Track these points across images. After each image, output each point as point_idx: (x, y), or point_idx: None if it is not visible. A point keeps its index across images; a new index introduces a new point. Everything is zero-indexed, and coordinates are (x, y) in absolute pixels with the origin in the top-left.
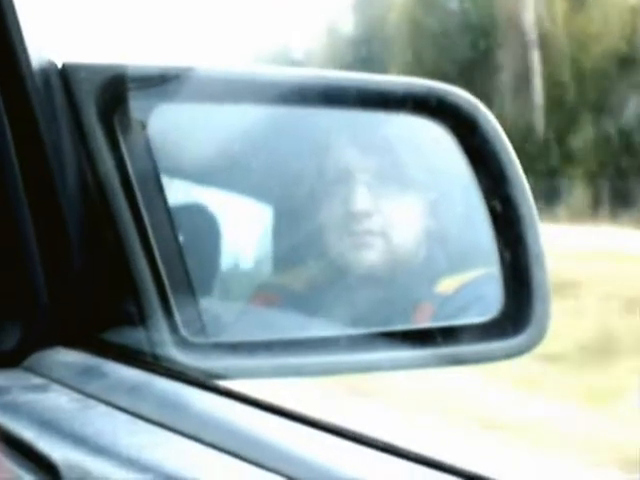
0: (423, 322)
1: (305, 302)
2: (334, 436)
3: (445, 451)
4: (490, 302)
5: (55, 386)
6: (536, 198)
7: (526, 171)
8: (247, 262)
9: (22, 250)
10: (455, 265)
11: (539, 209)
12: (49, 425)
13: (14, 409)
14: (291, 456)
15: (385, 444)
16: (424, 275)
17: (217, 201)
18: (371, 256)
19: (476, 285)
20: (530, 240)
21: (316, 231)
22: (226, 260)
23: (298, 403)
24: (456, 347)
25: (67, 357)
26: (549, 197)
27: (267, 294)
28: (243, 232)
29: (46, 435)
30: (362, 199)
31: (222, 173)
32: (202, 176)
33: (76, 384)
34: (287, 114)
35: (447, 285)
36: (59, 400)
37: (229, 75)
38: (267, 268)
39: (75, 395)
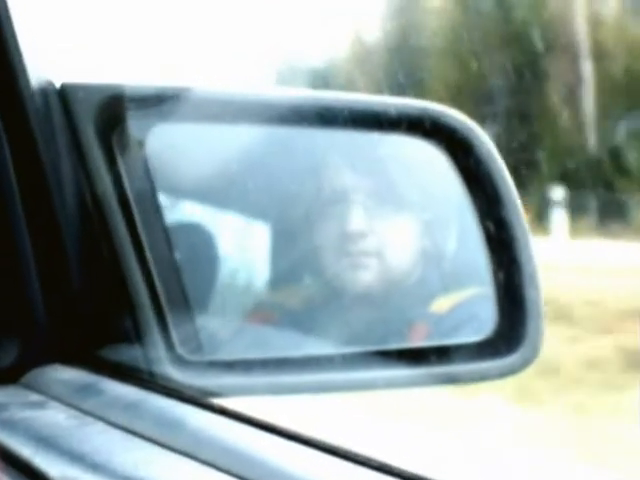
0: (418, 341)
1: (301, 320)
2: (329, 455)
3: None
4: (484, 321)
5: (52, 403)
6: (595, 213)
7: (583, 185)
8: (244, 280)
9: (20, 268)
10: (449, 284)
11: (599, 225)
12: (46, 442)
13: (11, 426)
14: (285, 475)
15: (380, 463)
16: (419, 295)
17: (214, 220)
18: (366, 276)
19: (470, 304)
20: (524, 260)
21: (312, 250)
22: (223, 278)
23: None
24: (450, 366)
25: (64, 374)
26: (606, 213)
27: (263, 312)
28: (240, 251)
29: (43, 452)
30: (357, 220)
31: (219, 192)
32: (199, 195)
33: (73, 401)
34: (283, 134)
35: (441, 304)
36: (56, 417)
37: (226, 95)
38: (264, 286)
39: (72, 412)
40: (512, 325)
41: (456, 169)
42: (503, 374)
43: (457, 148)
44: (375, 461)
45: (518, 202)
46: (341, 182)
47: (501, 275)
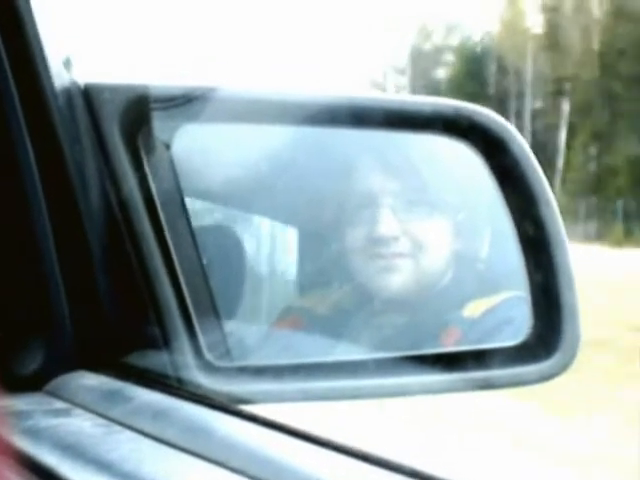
0: (450, 346)
1: (330, 326)
2: (361, 462)
3: None
4: (519, 325)
5: (78, 410)
6: None
7: None
8: (272, 285)
9: (45, 272)
10: (483, 288)
11: None
12: (72, 450)
13: (36, 434)
14: None
15: (413, 470)
16: (451, 298)
17: (241, 223)
18: (397, 279)
19: (504, 308)
20: (559, 261)
21: (341, 254)
22: (250, 283)
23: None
24: (486, 371)
25: (90, 381)
26: None
27: (292, 318)
28: (267, 255)
29: (69, 460)
30: (388, 223)
31: (247, 194)
32: (226, 197)
33: (99, 408)
34: (313, 135)
35: (474, 308)
36: (82, 425)
37: (253, 95)
38: (292, 291)
39: (98, 420)
40: (549, 328)
41: (490, 169)
42: (541, 378)
43: (491, 148)
44: (409, 468)
45: (553, 202)
46: (372, 184)
47: (537, 277)
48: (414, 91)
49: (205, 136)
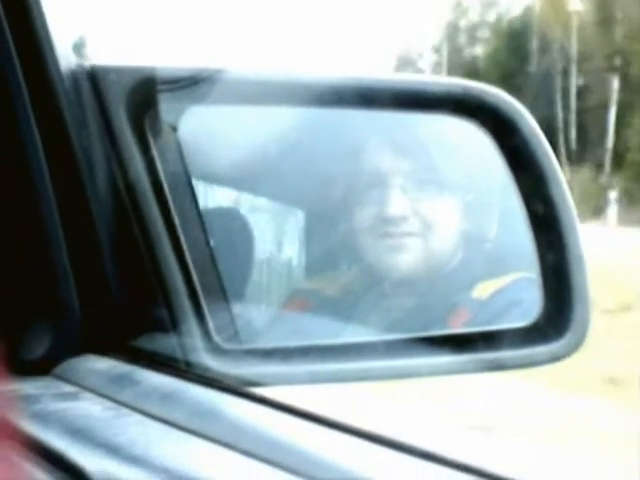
0: (458, 327)
1: (339, 308)
2: (370, 443)
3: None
4: (528, 306)
5: (86, 394)
6: None
7: None
8: (280, 267)
9: (52, 256)
10: (492, 268)
11: None
12: (81, 434)
13: (45, 418)
14: (327, 464)
15: (424, 451)
16: (460, 279)
17: (249, 205)
18: (406, 259)
19: (513, 289)
20: (570, 241)
21: (350, 236)
22: (258, 265)
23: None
24: (496, 352)
25: (98, 364)
26: None
27: (300, 300)
28: (275, 237)
29: (78, 444)
30: (397, 202)
31: (254, 176)
32: (234, 180)
33: (108, 392)
34: (321, 116)
35: (483, 289)
36: (91, 408)
37: (260, 77)
38: (300, 273)
39: (107, 403)
40: (559, 308)
41: (499, 149)
42: (551, 359)
43: (501, 128)
44: (420, 449)
45: (563, 182)
46: (381, 164)
47: (547, 258)
48: (450, 69)
49: (212, 118)
